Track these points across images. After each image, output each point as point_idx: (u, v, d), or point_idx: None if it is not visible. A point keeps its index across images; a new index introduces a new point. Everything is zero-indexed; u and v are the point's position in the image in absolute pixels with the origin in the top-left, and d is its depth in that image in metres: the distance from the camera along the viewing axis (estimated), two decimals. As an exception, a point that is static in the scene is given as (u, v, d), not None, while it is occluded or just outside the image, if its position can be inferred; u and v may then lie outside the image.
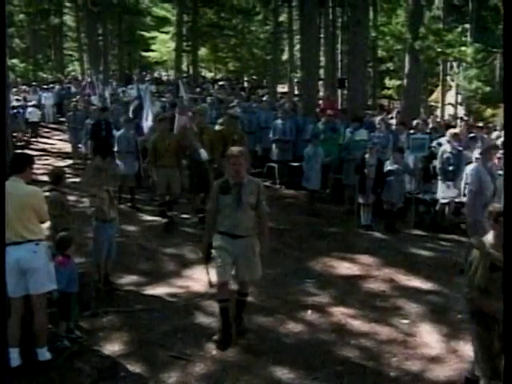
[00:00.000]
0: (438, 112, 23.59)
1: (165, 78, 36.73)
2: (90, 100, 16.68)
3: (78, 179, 10.97)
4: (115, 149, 9.86)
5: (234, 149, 5.00)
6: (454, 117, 19.55)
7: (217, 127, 10.14)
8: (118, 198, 9.27)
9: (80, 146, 13.64)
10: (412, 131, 10.61)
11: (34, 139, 17.51)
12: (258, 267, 5.01)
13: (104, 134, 10.47)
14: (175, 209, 8.80)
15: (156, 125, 9.61)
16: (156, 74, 40.30)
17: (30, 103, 18.50)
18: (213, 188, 5.04)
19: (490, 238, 3.84)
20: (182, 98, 11.83)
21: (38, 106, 19.23)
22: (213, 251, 5.00)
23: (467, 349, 5.00)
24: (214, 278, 5.05)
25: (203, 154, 8.21)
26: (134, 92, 16.65)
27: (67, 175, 6.72)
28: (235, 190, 4.82)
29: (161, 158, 8.32)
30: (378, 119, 11.41)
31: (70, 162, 13.57)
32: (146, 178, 10.36)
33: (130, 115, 11.85)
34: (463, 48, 19.12)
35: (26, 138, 17.06)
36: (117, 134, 10.06)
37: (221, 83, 26.52)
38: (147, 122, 10.71)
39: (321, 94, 19.75)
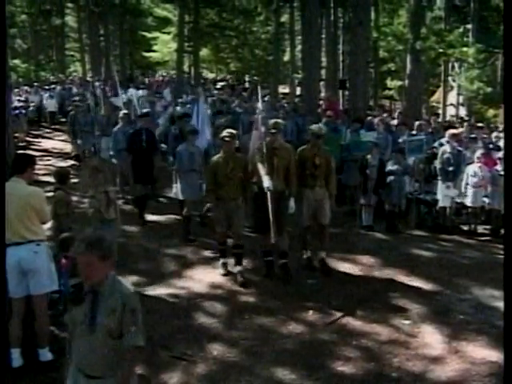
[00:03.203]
0: (440, 111, 23.58)
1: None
2: (111, 102, 14.68)
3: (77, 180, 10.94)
4: (174, 167, 8.38)
5: (80, 241, 2.91)
6: (457, 117, 19.58)
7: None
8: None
9: (92, 150, 12.65)
10: (414, 132, 10.61)
11: (52, 126, 19.28)
12: None
13: (145, 145, 8.81)
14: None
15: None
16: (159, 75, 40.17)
17: (31, 101, 19.18)
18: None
19: None
20: (258, 108, 8.65)
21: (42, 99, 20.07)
22: None
23: (469, 349, 5.01)
24: None
25: (266, 181, 6.36)
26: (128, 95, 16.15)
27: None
28: (88, 302, 2.94)
29: (221, 186, 6.51)
30: (376, 120, 11.38)
31: (71, 162, 13.53)
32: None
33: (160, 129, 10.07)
34: (465, 48, 19.20)
35: (29, 138, 17.11)
36: (178, 148, 8.17)
37: (223, 83, 26.50)
38: (204, 137, 9.00)
39: (322, 94, 19.76)
